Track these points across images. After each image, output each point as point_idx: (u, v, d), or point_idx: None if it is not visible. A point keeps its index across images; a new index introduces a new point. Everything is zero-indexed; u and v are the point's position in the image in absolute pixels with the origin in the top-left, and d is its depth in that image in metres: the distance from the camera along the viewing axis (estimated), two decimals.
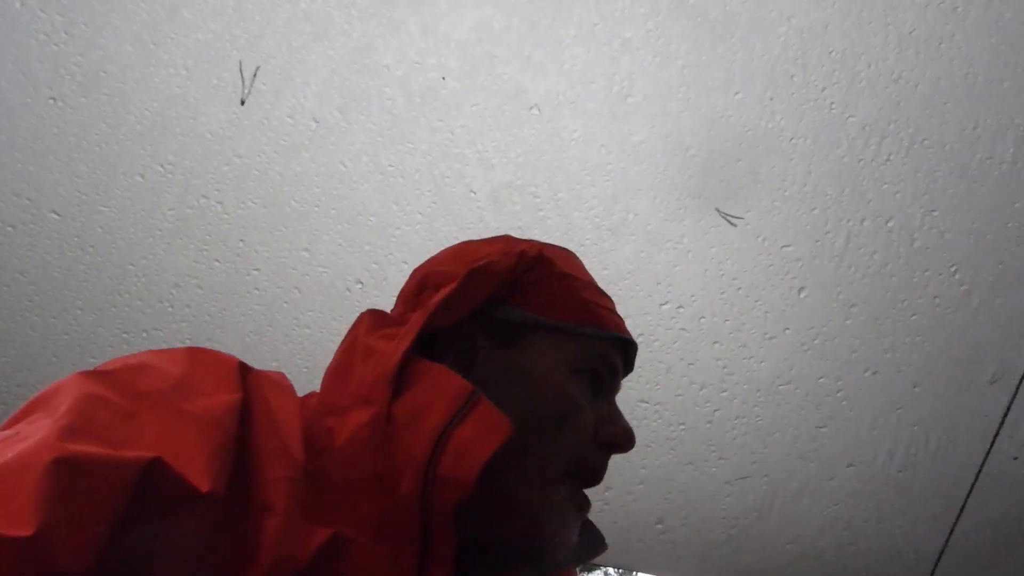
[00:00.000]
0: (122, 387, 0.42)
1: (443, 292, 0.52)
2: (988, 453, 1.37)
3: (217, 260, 1.28)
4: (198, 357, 0.47)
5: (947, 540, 1.42)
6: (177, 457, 0.39)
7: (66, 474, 0.35)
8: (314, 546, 0.42)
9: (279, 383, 0.50)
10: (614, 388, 0.58)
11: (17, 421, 0.41)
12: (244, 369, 0.48)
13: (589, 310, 0.57)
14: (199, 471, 0.39)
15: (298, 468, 0.44)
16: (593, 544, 0.56)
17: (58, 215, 1.23)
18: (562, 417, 0.52)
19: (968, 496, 1.39)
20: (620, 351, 0.58)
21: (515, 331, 0.55)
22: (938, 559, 1.44)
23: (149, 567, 0.37)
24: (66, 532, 0.33)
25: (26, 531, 0.32)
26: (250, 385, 0.46)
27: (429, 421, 0.46)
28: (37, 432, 0.37)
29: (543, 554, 0.51)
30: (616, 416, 0.55)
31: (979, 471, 1.38)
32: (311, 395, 0.52)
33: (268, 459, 0.43)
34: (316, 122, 1.19)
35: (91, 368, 0.43)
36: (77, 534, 0.34)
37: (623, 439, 0.54)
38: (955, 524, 1.41)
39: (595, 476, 0.53)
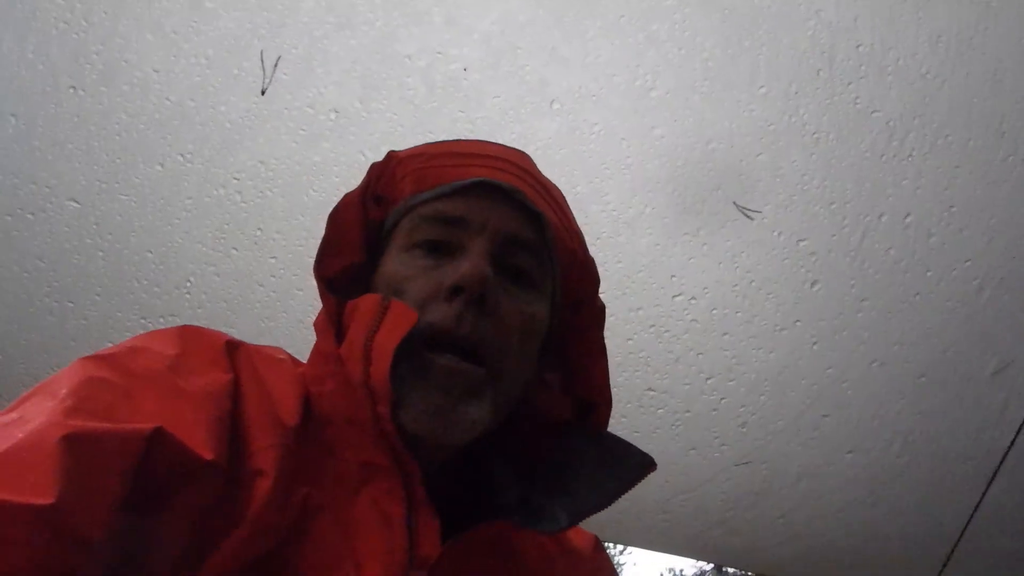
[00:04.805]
0: (120, 369, 0.48)
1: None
2: (1008, 449, 1.59)
3: (234, 248, 1.45)
4: (189, 337, 0.54)
5: (964, 529, 1.67)
6: (179, 428, 0.44)
7: (76, 448, 0.39)
8: (293, 509, 0.48)
9: (273, 357, 0.57)
10: (467, 238, 0.58)
11: (17, 406, 0.46)
12: (232, 347, 0.55)
13: (421, 177, 0.60)
14: (201, 441, 0.45)
15: (288, 435, 0.50)
16: (626, 474, 0.57)
17: (77, 203, 1.39)
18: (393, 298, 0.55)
19: (988, 485, 1.62)
20: (468, 198, 0.59)
21: (383, 247, 0.62)
22: (952, 550, 1.69)
23: (159, 537, 0.42)
24: (82, 501, 0.38)
25: (46, 499, 0.36)
26: (239, 362, 0.54)
27: (356, 343, 0.53)
28: (41, 414, 0.42)
29: (542, 509, 0.55)
30: (463, 264, 0.55)
31: (996, 469, 1.61)
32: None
33: (259, 430, 0.50)
34: (336, 112, 1.34)
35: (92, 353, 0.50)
36: (92, 503, 0.39)
37: (461, 279, 0.54)
38: (973, 514, 1.65)
39: (435, 331, 0.54)
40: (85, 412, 0.43)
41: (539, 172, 0.67)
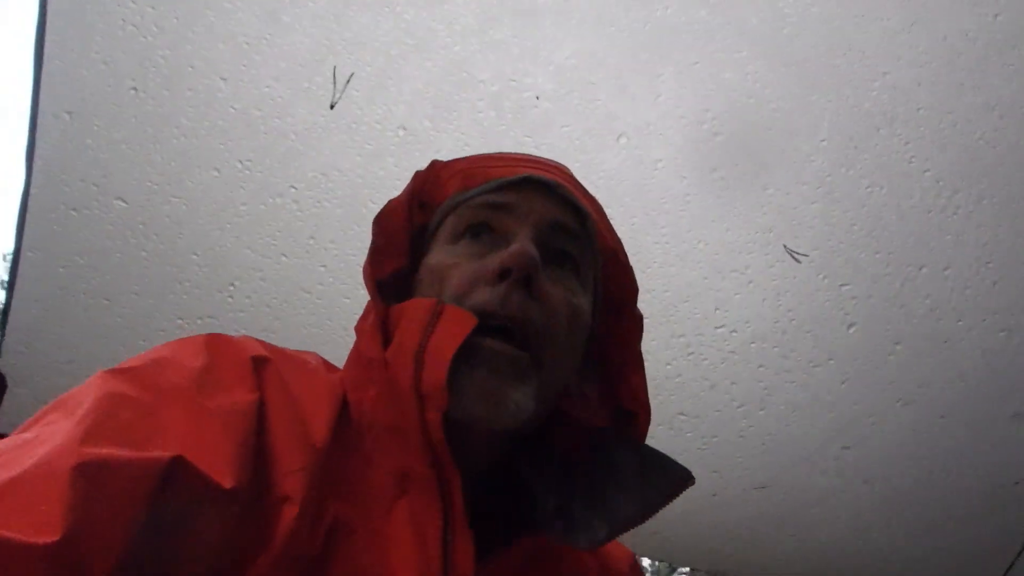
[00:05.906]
0: (143, 383, 0.48)
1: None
2: None
3: (284, 255, 1.48)
4: (216, 349, 0.54)
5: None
6: (200, 454, 0.44)
7: (89, 479, 0.39)
8: (322, 532, 0.48)
9: (304, 366, 0.57)
10: (513, 224, 0.60)
11: (35, 423, 0.46)
12: (259, 362, 0.54)
13: (466, 179, 0.63)
14: (222, 468, 0.44)
15: (318, 456, 0.50)
16: (666, 486, 0.57)
17: (124, 202, 1.39)
18: (438, 290, 0.58)
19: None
20: (514, 190, 0.61)
21: (427, 249, 0.63)
22: None
23: (174, 563, 0.42)
24: (92, 536, 0.38)
25: (52, 537, 0.36)
26: (267, 379, 0.53)
27: (407, 347, 0.53)
28: (56, 435, 0.42)
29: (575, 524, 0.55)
30: (510, 247, 0.57)
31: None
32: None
33: (285, 453, 0.50)
34: (404, 129, 1.36)
35: (114, 366, 0.49)
36: (103, 537, 0.38)
37: (509, 259, 0.56)
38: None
39: (481, 312, 0.54)
40: (102, 435, 0.42)
41: (579, 181, 0.70)
